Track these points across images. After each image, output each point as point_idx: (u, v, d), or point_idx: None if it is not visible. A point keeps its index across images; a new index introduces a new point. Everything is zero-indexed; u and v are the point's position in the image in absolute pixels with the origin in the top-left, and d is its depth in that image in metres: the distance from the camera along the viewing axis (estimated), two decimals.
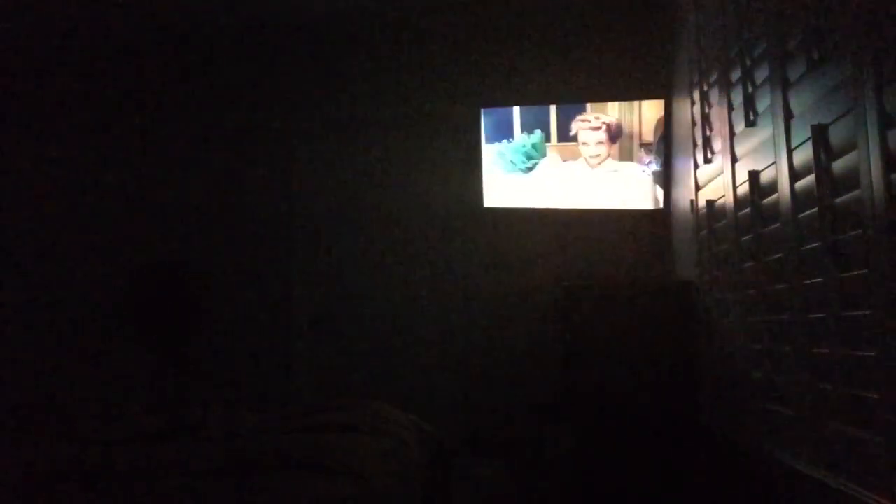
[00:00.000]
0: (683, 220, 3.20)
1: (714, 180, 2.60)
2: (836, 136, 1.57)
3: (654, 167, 3.52)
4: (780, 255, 1.92)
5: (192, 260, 3.89)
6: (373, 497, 1.78)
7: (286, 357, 3.91)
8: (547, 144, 3.65)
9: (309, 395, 3.74)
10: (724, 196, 2.45)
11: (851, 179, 1.47)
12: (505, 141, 3.69)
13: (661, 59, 3.58)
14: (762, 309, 2.07)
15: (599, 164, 3.55)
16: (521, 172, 3.65)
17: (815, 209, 1.66)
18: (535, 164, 3.65)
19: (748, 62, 2.16)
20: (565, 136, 3.62)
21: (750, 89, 2.16)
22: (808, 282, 1.72)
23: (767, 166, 2.00)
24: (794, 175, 1.79)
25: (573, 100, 3.67)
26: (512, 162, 3.68)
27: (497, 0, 3.75)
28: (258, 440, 2.19)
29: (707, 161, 2.72)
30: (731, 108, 2.36)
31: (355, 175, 4.00)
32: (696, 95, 2.86)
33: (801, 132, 1.73)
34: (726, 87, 2.39)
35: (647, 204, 3.57)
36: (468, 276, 3.85)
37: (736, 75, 2.29)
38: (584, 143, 3.59)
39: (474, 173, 3.74)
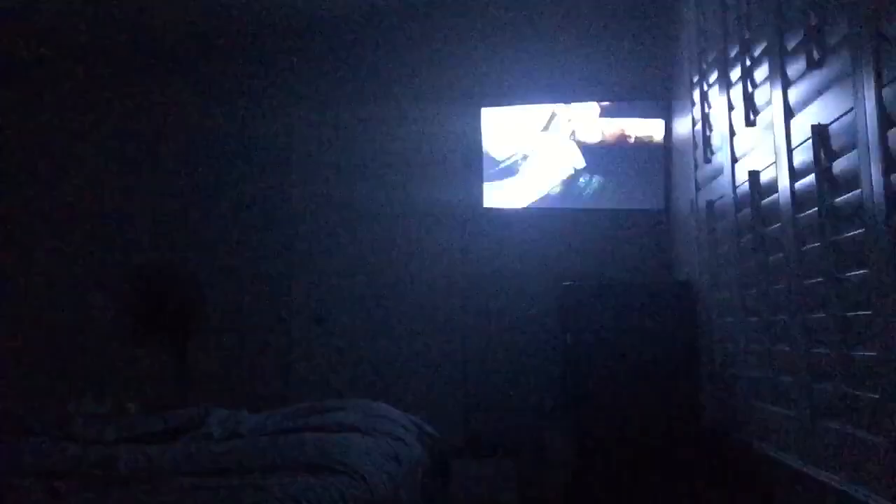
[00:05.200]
0: (683, 220, 3.20)
1: (714, 180, 2.60)
2: (836, 136, 1.57)
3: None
4: (780, 255, 1.92)
5: (191, 261, 3.93)
6: (372, 496, 1.79)
7: (286, 357, 3.91)
8: None
9: (309, 395, 3.73)
10: (724, 196, 2.45)
11: (851, 179, 1.47)
12: None
13: (661, 59, 3.58)
14: (762, 309, 2.07)
15: None
16: None
17: (815, 209, 1.66)
18: None
19: (748, 62, 2.16)
20: None
21: (750, 89, 2.16)
22: (808, 282, 1.72)
23: (767, 166, 2.00)
24: (794, 175, 1.79)
25: (573, 99, 3.67)
26: None
27: (498, 0, 3.74)
28: (258, 440, 2.19)
29: (707, 161, 2.72)
30: (731, 108, 2.36)
31: (355, 175, 3.99)
32: (696, 95, 2.86)
33: (801, 132, 1.73)
34: (726, 87, 2.39)
35: (647, 204, 3.57)
36: (468, 276, 3.84)
37: (736, 75, 2.29)
38: None
39: (474, 173, 3.74)
